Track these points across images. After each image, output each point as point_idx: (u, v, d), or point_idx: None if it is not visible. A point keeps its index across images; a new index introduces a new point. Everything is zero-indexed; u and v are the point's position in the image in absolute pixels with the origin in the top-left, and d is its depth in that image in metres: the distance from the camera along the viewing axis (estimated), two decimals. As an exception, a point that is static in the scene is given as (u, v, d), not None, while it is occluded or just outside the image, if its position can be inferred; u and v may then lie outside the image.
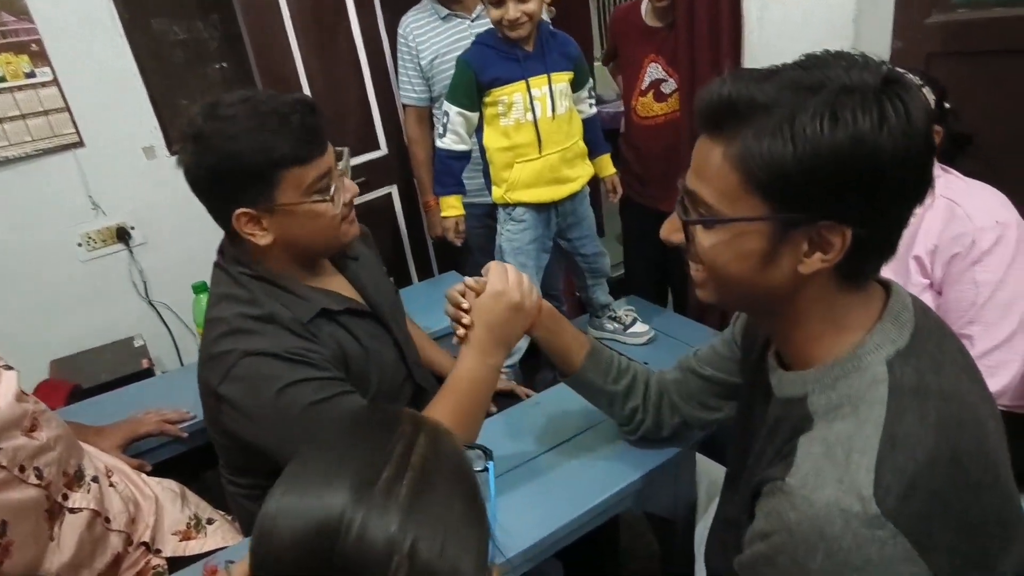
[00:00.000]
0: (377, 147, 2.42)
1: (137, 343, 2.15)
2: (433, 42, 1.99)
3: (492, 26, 1.56)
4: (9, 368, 1.09)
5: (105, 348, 2.14)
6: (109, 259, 2.20)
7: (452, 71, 1.76)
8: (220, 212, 1.01)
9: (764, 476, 0.66)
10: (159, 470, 1.36)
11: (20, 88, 1.96)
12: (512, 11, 1.47)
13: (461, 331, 0.97)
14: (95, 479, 1.11)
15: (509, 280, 0.97)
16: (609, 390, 1.07)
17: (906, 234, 1.25)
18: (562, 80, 1.59)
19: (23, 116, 1.98)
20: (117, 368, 1.97)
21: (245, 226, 1.00)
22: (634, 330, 1.74)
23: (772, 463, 0.67)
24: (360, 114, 2.35)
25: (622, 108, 2.13)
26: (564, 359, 1.06)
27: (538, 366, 1.78)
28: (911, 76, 1.17)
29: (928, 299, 1.23)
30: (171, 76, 2.19)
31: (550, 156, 1.59)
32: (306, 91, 2.14)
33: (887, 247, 0.66)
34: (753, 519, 0.66)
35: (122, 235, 2.18)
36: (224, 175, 0.97)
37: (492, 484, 0.58)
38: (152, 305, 2.29)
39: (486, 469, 0.60)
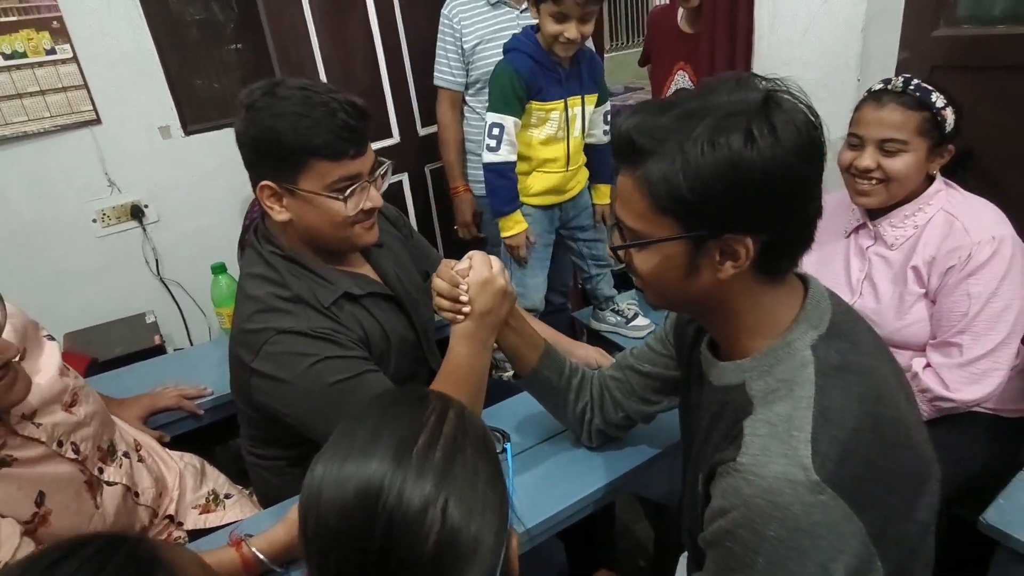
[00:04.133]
0: (389, 135, 2.43)
1: (149, 319, 2.19)
2: (479, 27, 1.95)
3: (537, 23, 1.55)
4: (51, 339, 1.12)
5: (118, 323, 2.17)
6: (123, 236, 2.23)
7: (493, 58, 1.76)
8: (254, 182, 1.08)
9: (717, 459, 0.72)
10: (175, 443, 1.40)
11: (40, 64, 1.99)
12: (573, 31, 1.49)
13: (460, 318, 1.01)
14: (126, 454, 1.15)
15: (493, 268, 1.01)
16: (563, 388, 1.10)
17: (906, 245, 1.30)
18: (592, 102, 1.64)
19: (42, 92, 2.01)
20: (130, 343, 2.01)
21: (267, 199, 1.08)
22: (635, 323, 1.78)
23: (720, 446, 0.73)
24: (374, 101, 2.33)
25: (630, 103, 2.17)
26: (521, 356, 1.08)
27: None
28: (935, 94, 1.20)
29: (922, 307, 1.28)
30: (188, 56, 2.21)
31: (568, 172, 1.65)
32: (322, 76, 2.15)
33: (797, 245, 0.72)
34: (708, 498, 0.72)
35: (136, 212, 2.20)
36: (262, 146, 1.04)
37: (510, 463, 0.64)
38: (164, 283, 2.32)
39: (504, 450, 0.66)
